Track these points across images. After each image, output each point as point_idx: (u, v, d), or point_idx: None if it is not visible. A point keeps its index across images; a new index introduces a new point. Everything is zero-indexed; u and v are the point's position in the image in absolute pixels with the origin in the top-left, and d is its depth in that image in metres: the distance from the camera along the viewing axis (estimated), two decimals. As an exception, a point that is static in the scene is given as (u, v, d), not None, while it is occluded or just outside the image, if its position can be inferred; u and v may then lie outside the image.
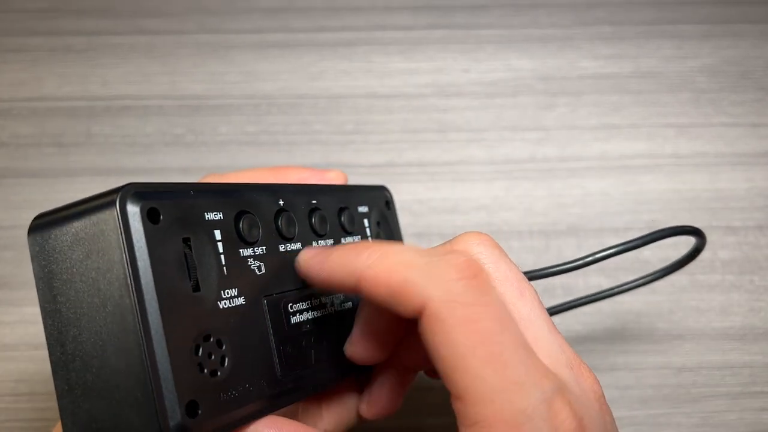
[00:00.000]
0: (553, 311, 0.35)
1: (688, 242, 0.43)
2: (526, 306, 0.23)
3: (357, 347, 0.26)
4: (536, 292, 0.24)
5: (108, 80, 0.48)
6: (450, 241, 0.25)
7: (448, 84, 0.48)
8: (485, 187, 0.45)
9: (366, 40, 0.50)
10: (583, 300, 0.35)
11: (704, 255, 0.42)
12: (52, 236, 0.21)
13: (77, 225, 0.20)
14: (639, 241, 0.28)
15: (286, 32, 0.50)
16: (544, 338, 0.23)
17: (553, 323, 0.24)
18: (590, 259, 0.27)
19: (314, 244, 0.27)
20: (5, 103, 0.47)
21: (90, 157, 0.45)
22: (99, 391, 0.20)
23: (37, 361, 0.40)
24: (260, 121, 0.47)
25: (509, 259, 0.25)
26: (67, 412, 0.20)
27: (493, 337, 0.20)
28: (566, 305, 0.35)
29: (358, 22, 0.51)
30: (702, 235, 0.30)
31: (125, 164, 0.45)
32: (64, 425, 0.20)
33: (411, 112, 0.47)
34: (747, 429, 0.38)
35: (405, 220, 0.43)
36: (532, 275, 0.27)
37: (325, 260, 0.24)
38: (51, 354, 0.21)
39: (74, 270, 0.20)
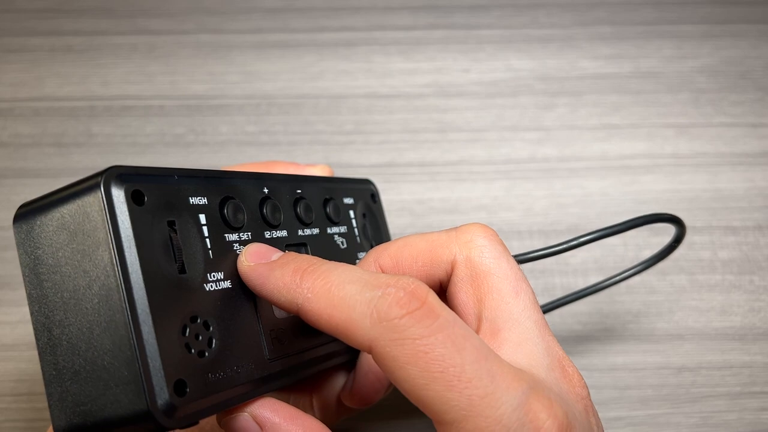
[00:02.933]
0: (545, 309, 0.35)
1: (691, 243, 0.43)
2: (518, 306, 0.23)
3: (356, 398, 0.28)
4: (533, 292, 0.24)
5: (108, 80, 0.48)
6: (456, 228, 0.25)
7: (448, 84, 0.48)
8: (485, 187, 0.45)
9: (366, 40, 0.50)
10: (563, 300, 0.35)
11: (704, 255, 0.42)
12: (38, 223, 0.21)
13: (62, 210, 0.20)
14: (619, 227, 0.28)
15: (286, 32, 0.50)
16: (529, 340, 0.23)
17: (545, 324, 0.24)
18: (573, 243, 0.28)
19: (299, 232, 0.27)
20: (6, 103, 0.47)
21: (91, 157, 0.45)
22: (87, 373, 0.20)
23: (37, 362, 0.40)
24: (260, 121, 0.47)
25: (511, 256, 0.25)
26: (54, 398, 0.20)
27: (449, 360, 0.19)
28: (552, 304, 0.35)
29: (358, 22, 0.51)
30: (681, 223, 0.30)
31: (126, 164, 0.45)
32: (51, 411, 0.20)
33: (411, 112, 0.47)
34: (746, 429, 0.38)
35: (405, 220, 0.44)
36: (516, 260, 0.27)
37: (267, 278, 0.22)
38: (38, 341, 0.21)
39: (60, 254, 0.20)
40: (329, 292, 0.21)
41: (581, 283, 0.41)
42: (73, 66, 0.48)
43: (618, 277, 0.35)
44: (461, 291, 0.24)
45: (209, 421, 0.27)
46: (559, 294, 0.41)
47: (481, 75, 0.49)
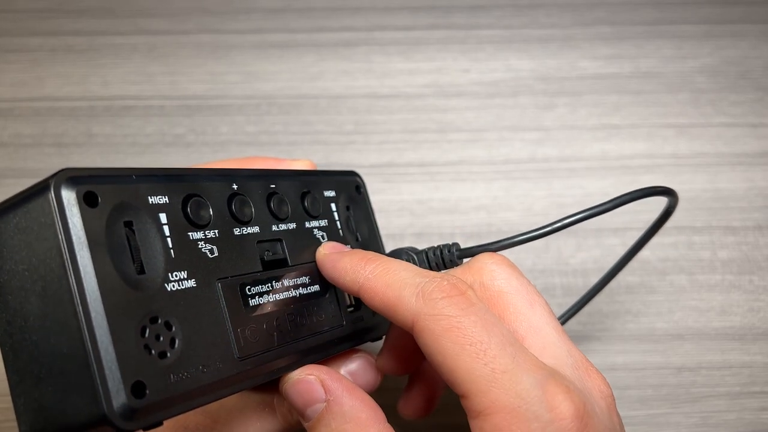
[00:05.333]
0: (566, 316, 0.36)
1: (691, 243, 0.43)
2: (535, 315, 0.25)
3: (383, 361, 0.29)
4: (546, 303, 0.26)
5: (109, 80, 0.48)
6: (467, 262, 0.27)
7: (448, 84, 0.48)
8: (485, 187, 0.45)
9: (366, 40, 0.50)
10: (581, 301, 0.35)
11: (704, 255, 0.42)
12: None
13: (18, 214, 0.20)
14: (609, 205, 0.27)
15: (286, 32, 0.50)
16: (552, 344, 0.24)
17: (562, 330, 0.25)
18: (560, 224, 0.27)
19: (273, 228, 0.27)
20: (6, 104, 0.47)
21: (91, 157, 0.45)
22: (46, 378, 0.20)
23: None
24: (260, 121, 0.47)
25: (522, 275, 0.26)
26: (19, 403, 0.20)
27: (478, 337, 0.22)
28: (573, 310, 0.35)
29: (358, 22, 0.51)
30: (674, 194, 0.29)
31: (126, 164, 0.45)
32: (17, 416, 0.20)
33: (411, 112, 0.47)
34: (746, 429, 0.38)
35: (405, 221, 0.44)
36: (504, 244, 0.27)
37: (337, 261, 0.26)
38: (2, 346, 0.21)
39: (18, 259, 0.20)
40: (387, 275, 0.24)
41: (581, 283, 0.41)
42: (73, 66, 0.49)
43: (624, 260, 0.34)
44: None
45: (193, 419, 0.27)
46: (558, 293, 0.41)
47: (481, 75, 0.49)
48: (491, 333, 0.22)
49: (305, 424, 0.25)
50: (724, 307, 0.41)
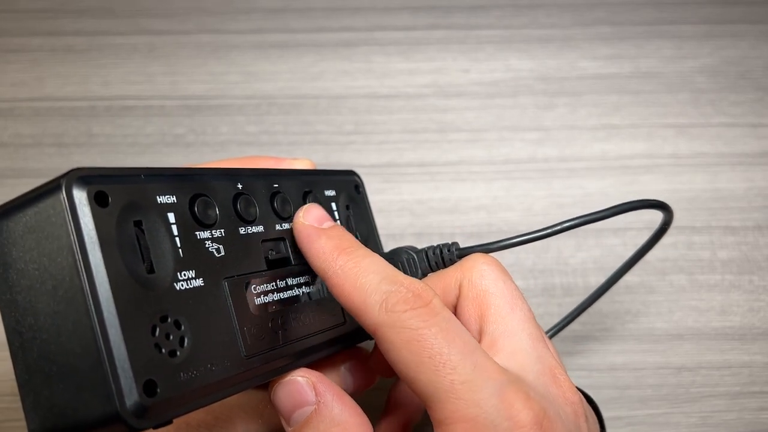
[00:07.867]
0: (553, 331, 0.36)
1: (690, 243, 0.43)
2: (514, 320, 0.25)
3: (372, 364, 0.30)
4: (529, 310, 0.26)
5: (109, 80, 0.48)
6: (461, 260, 0.27)
7: (448, 84, 0.48)
8: (485, 187, 0.45)
9: (366, 40, 0.50)
10: (574, 313, 0.36)
11: (703, 255, 0.42)
12: (5, 227, 0.21)
13: (28, 213, 0.20)
14: (604, 213, 0.27)
15: (286, 32, 0.50)
16: (522, 350, 0.25)
17: (540, 337, 0.25)
18: (555, 229, 0.27)
19: (277, 227, 0.27)
20: (6, 104, 0.47)
21: (91, 157, 0.45)
22: (57, 377, 0.20)
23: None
24: (261, 121, 0.47)
25: (510, 279, 0.27)
26: (28, 401, 0.20)
27: (438, 349, 0.22)
28: (564, 321, 0.35)
29: (358, 22, 0.51)
30: (668, 209, 0.29)
31: (126, 164, 0.45)
32: (26, 414, 0.20)
33: (411, 112, 0.47)
34: (746, 429, 0.38)
35: (405, 221, 0.44)
36: (502, 245, 0.28)
37: (313, 240, 0.25)
38: (11, 345, 0.21)
39: (27, 258, 0.20)
40: (356, 275, 0.24)
41: (581, 283, 0.41)
42: (73, 66, 0.49)
43: (617, 274, 0.34)
44: (465, 309, 0.27)
45: (196, 417, 0.27)
46: (558, 293, 0.41)
47: (481, 75, 0.49)
48: (452, 343, 0.22)
49: (289, 430, 0.25)
50: (724, 307, 0.41)
